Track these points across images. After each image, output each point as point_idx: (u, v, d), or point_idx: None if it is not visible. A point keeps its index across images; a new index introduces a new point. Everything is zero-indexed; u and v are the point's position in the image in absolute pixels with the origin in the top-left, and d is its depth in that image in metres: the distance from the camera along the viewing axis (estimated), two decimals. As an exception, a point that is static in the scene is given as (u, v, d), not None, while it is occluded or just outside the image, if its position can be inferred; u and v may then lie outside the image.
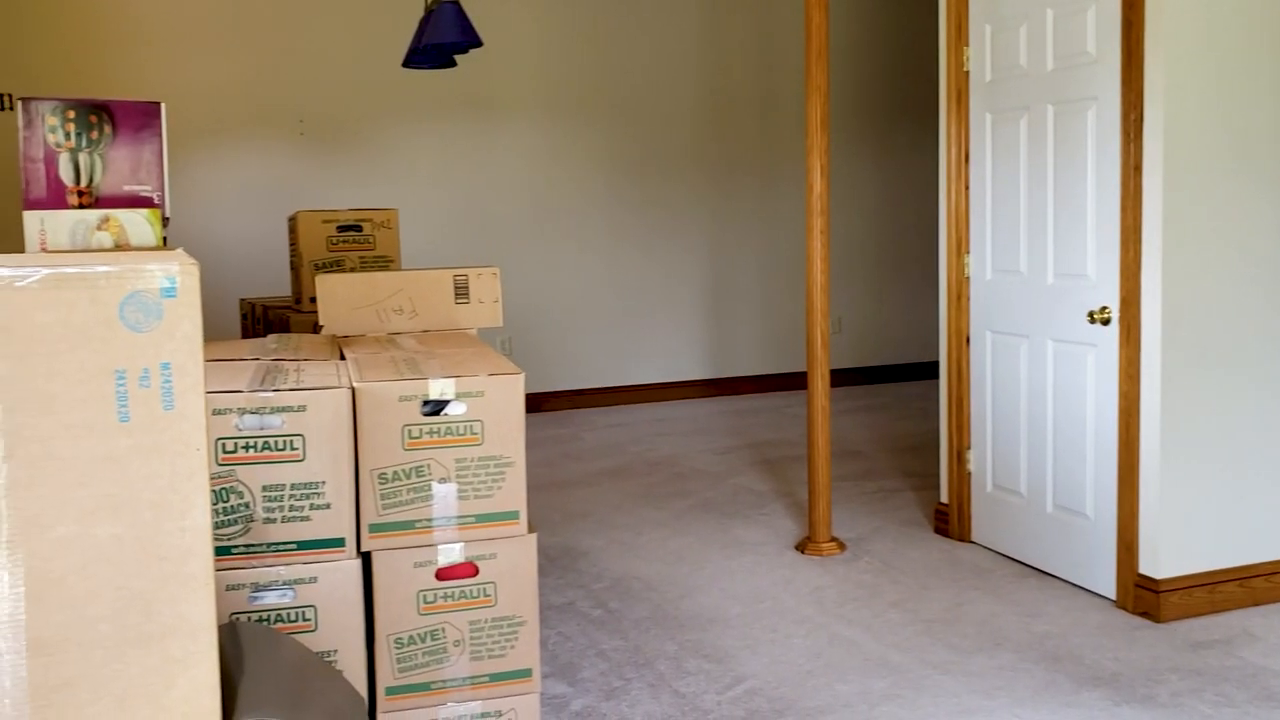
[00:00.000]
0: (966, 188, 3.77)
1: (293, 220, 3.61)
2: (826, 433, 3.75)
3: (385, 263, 3.58)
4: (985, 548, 3.73)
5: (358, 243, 3.54)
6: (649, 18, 6.64)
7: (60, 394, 1.16)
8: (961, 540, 3.82)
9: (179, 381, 1.21)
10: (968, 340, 3.79)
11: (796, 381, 7.07)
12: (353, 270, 3.52)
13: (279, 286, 5.53)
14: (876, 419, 6.07)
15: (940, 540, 3.83)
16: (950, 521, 3.86)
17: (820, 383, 3.75)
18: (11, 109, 5.80)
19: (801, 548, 3.76)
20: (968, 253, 3.77)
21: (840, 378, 7.02)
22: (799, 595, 3.34)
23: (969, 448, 3.81)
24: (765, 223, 7.04)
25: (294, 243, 3.63)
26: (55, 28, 5.70)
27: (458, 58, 2.81)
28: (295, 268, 3.61)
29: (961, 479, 3.82)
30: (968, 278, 3.78)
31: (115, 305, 1.17)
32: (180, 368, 1.21)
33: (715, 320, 7.00)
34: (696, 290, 6.94)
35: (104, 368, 1.18)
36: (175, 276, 1.20)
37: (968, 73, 3.74)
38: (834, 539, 3.77)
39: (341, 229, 3.52)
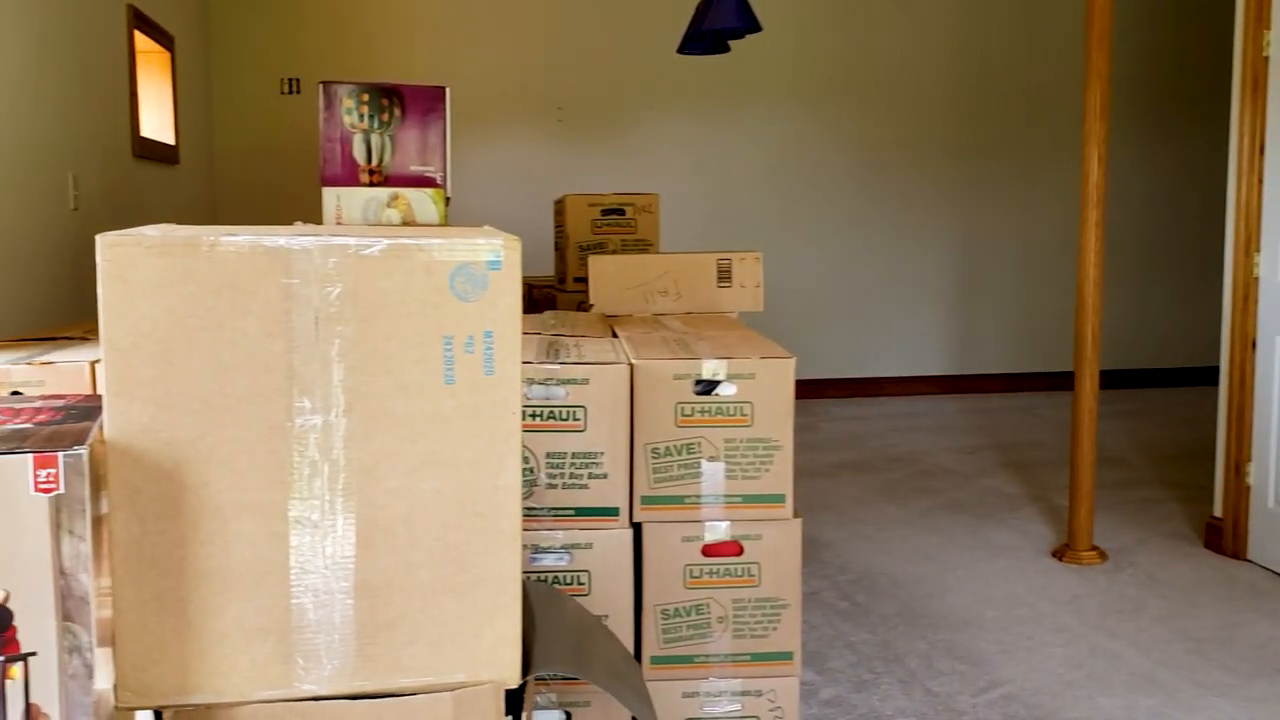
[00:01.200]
0: (1260, 181, 3.51)
1: (560, 203, 3.73)
2: (1093, 436, 3.59)
3: (645, 246, 3.66)
4: (1263, 567, 3.49)
5: (620, 226, 3.63)
6: (907, 6, 6.49)
7: (396, 355, 1.25)
8: (1236, 557, 3.57)
9: (499, 349, 1.28)
10: (1253, 345, 3.54)
11: (1047, 382, 6.78)
12: (614, 252, 3.61)
13: (537, 266, 5.73)
14: (1138, 425, 5.76)
15: (1211, 556, 3.61)
16: (1224, 537, 3.62)
17: (1089, 383, 3.59)
18: (296, 93, 6.23)
19: (1059, 555, 3.61)
20: (1258, 251, 3.52)
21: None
22: (1057, 603, 3.21)
23: (1249, 460, 3.56)
24: (1020, 215, 6.78)
25: (560, 224, 3.75)
26: (333, 16, 6.09)
27: (731, 43, 2.86)
28: (560, 248, 3.74)
29: (1239, 493, 3.58)
30: (1256, 278, 3.53)
31: (447, 275, 1.25)
32: (501, 336, 1.27)
33: (961, 314, 6.80)
34: (942, 283, 6.76)
35: (434, 333, 1.26)
36: (500, 251, 1.26)
37: (1267, 58, 3.48)
38: (1094, 548, 3.60)
39: (605, 212, 3.62)
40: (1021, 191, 6.76)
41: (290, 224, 1.75)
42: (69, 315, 3.42)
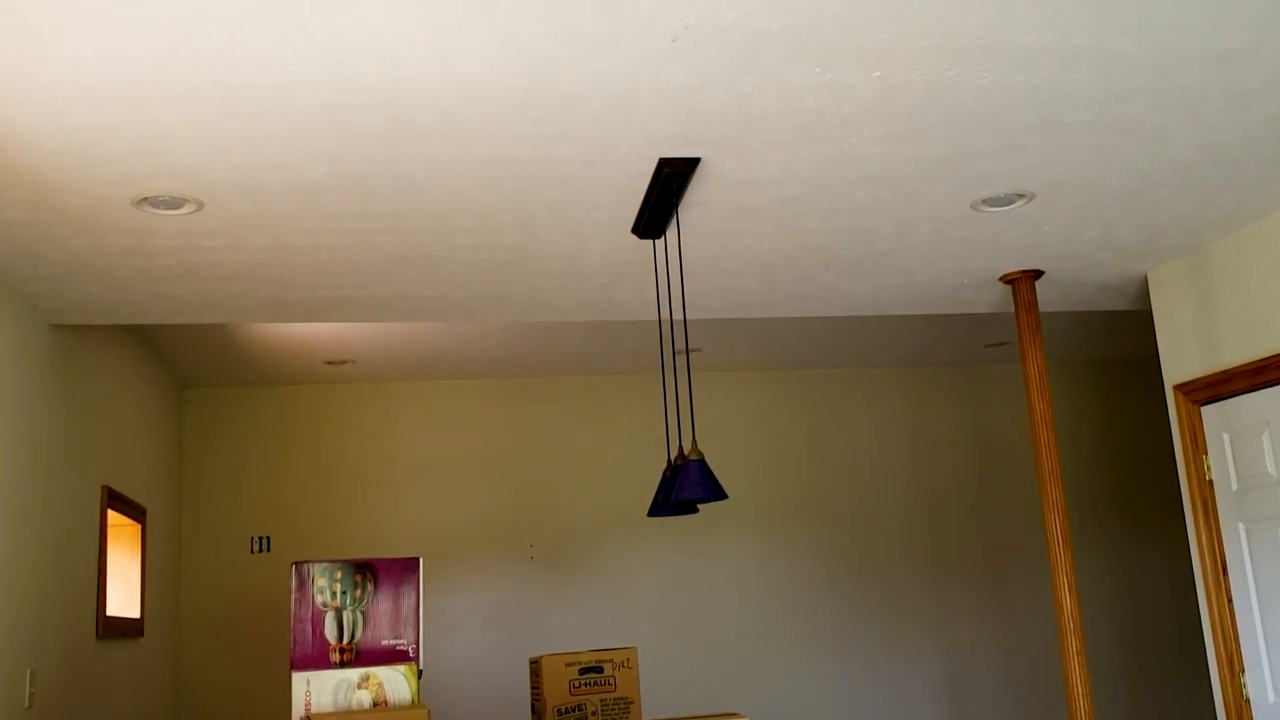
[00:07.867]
0: (1229, 600, 3.54)
1: (535, 664, 3.66)
2: None
3: (626, 704, 3.56)
4: None
5: (599, 685, 3.55)
6: (863, 430, 6.79)
7: None
8: None
9: None
10: (1261, 772, 3.42)
11: (1052, 803, 6.44)
12: (594, 714, 3.50)
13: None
14: None
15: None
16: None
17: (1097, 825, 3.41)
18: (266, 551, 6.24)
19: None
20: (1243, 671, 3.48)
21: (1103, 802, 6.35)
22: None
23: None
24: (998, 623, 6.71)
25: (536, 686, 3.66)
26: (302, 475, 6.23)
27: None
28: (538, 713, 3.62)
29: None
30: (1247, 699, 3.47)
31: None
32: None
33: (954, 736, 6.56)
34: (929, 697, 6.57)
35: None
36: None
37: (1211, 481, 3.62)
38: None
39: (583, 671, 3.55)
40: (994, 602, 6.75)
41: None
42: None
